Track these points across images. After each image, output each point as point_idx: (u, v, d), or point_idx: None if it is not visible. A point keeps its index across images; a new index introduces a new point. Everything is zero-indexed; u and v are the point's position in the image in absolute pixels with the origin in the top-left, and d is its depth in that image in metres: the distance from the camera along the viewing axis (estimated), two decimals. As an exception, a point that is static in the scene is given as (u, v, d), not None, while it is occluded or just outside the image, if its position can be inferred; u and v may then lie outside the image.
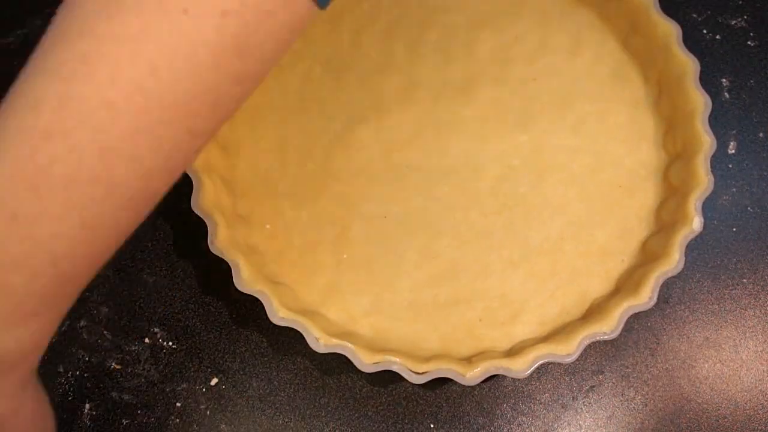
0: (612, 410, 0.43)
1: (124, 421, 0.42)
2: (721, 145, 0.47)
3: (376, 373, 0.38)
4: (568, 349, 0.39)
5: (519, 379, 0.43)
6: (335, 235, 0.43)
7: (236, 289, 0.39)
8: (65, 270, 0.25)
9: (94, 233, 0.26)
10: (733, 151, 0.48)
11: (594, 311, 0.41)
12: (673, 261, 0.40)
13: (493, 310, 0.42)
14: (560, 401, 0.43)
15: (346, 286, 0.42)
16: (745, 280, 0.45)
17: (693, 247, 0.44)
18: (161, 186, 0.28)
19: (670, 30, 0.44)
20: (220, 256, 0.40)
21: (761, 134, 0.48)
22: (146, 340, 0.43)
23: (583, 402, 0.43)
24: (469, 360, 0.39)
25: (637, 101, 0.46)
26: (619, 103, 0.46)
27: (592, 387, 0.43)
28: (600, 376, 0.43)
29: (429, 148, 0.45)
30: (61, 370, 0.43)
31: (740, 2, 0.51)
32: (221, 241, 0.40)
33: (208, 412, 0.42)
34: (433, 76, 0.46)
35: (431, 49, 0.47)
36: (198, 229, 0.43)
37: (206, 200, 0.41)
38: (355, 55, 0.47)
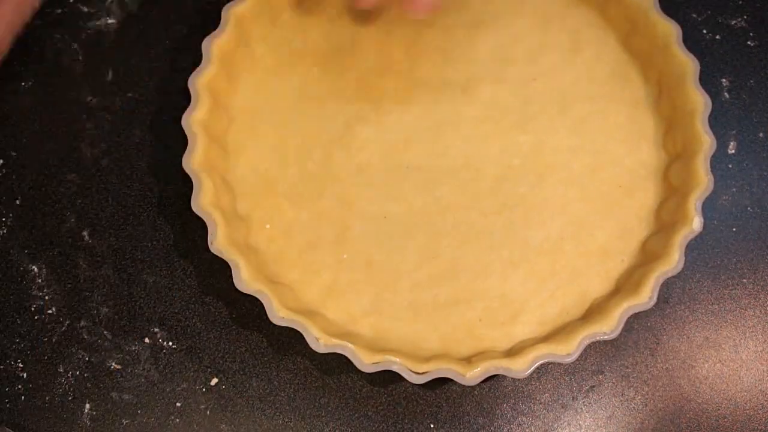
0: (612, 410, 0.43)
1: (124, 421, 0.42)
2: (721, 145, 0.47)
3: (376, 373, 0.38)
4: (568, 349, 0.39)
5: (519, 379, 0.43)
6: (335, 235, 0.43)
7: (236, 289, 0.39)
8: None
9: None
10: (733, 151, 0.48)
11: (594, 311, 0.41)
12: (673, 261, 0.40)
13: (493, 310, 0.42)
14: (560, 401, 0.43)
15: (346, 286, 0.42)
16: (745, 280, 0.45)
17: (693, 247, 0.44)
18: None
19: (670, 30, 0.44)
20: (220, 256, 0.40)
21: (761, 134, 0.48)
22: (146, 340, 0.43)
23: (583, 402, 0.43)
24: (469, 360, 0.39)
25: (637, 101, 0.46)
26: (619, 103, 0.46)
27: (592, 387, 0.43)
28: (600, 376, 0.43)
29: (429, 148, 0.45)
30: (61, 370, 0.43)
31: (740, 2, 0.51)
32: (221, 241, 0.40)
33: (208, 412, 0.42)
34: (433, 76, 0.46)
35: (431, 49, 0.47)
36: (198, 229, 0.43)
37: (206, 200, 0.41)
38: (355, 55, 0.47)
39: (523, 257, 0.43)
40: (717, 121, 0.47)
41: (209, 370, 0.43)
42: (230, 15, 0.45)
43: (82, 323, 0.44)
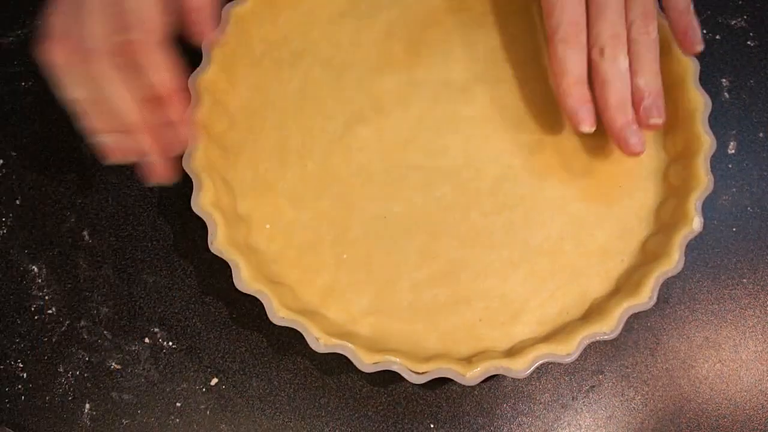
0: (612, 410, 0.43)
1: (124, 421, 0.42)
2: (721, 145, 0.47)
3: (376, 373, 0.38)
4: (567, 349, 0.39)
5: (519, 379, 0.43)
6: (335, 235, 0.43)
7: (236, 289, 0.39)
8: None
9: None
10: (733, 151, 0.48)
11: (594, 311, 0.41)
12: (673, 261, 0.40)
13: (493, 310, 0.42)
14: (560, 401, 0.43)
15: (346, 286, 0.42)
16: (745, 280, 0.45)
17: (693, 247, 0.44)
18: None
19: (670, 30, 0.44)
20: (220, 256, 0.40)
21: (761, 134, 0.48)
22: (146, 340, 0.43)
23: (583, 402, 0.43)
24: (469, 360, 0.39)
25: (637, 101, 0.46)
26: (619, 103, 0.46)
27: (592, 387, 0.43)
28: (600, 376, 0.43)
29: (429, 148, 0.45)
30: (61, 370, 0.43)
31: (740, 2, 0.51)
32: (221, 241, 0.40)
33: (208, 412, 0.42)
34: (433, 76, 0.46)
35: (431, 49, 0.47)
36: (198, 229, 0.43)
37: (206, 200, 0.41)
38: (355, 55, 0.47)
39: (523, 257, 0.43)
40: (717, 121, 0.47)
41: (209, 370, 0.43)
42: (230, 15, 0.45)
43: (82, 323, 0.44)
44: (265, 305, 0.39)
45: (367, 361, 0.39)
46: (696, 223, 0.41)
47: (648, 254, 0.42)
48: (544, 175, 0.44)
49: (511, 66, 0.47)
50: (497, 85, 0.46)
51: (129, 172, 0.46)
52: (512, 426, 0.42)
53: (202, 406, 0.42)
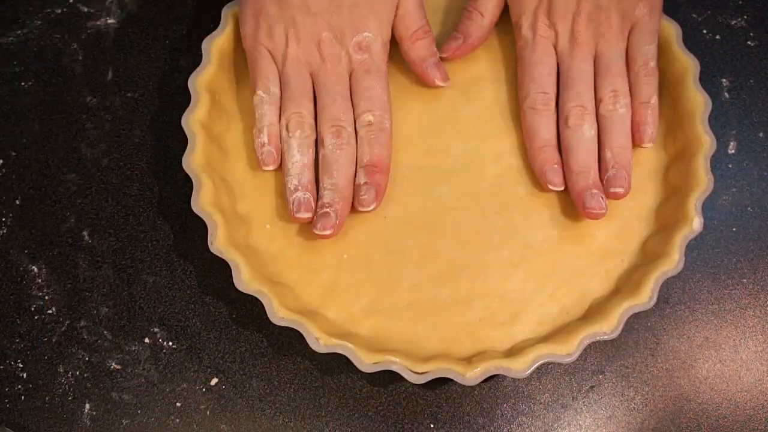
0: (612, 410, 0.43)
1: (124, 421, 0.42)
2: (721, 145, 0.47)
3: (376, 373, 0.38)
4: (568, 349, 0.39)
5: (519, 379, 0.43)
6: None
7: (236, 289, 0.39)
8: None
9: None
10: (733, 151, 0.48)
11: (594, 311, 0.41)
12: (673, 261, 0.40)
13: (493, 310, 0.42)
14: (560, 401, 0.43)
15: (346, 286, 0.42)
16: (745, 280, 0.45)
17: (693, 247, 0.44)
18: None
19: (670, 30, 0.44)
20: (219, 256, 0.40)
21: (761, 134, 0.48)
22: (146, 340, 0.43)
23: (583, 402, 0.43)
24: (469, 360, 0.39)
25: (637, 101, 0.46)
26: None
27: (592, 387, 0.43)
28: (600, 376, 0.43)
29: (429, 148, 0.45)
30: (61, 370, 0.43)
31: (740, 2, 0.51)
32: (221, 241, 0.40)
33: (208, 412, 0.42)
34: (433, 76, 0.46)
35: (431, 49, 0.47)
36: (198, 229, 0.43)
37: (206, 200, 0.41)
38: (355, 55, 0.47)
39: (523, 257, 0.43)
40: (717, 121, 0.47)
41: (209, 370, 0.43)
42: (230, 15, 0.45)
43: (82, 323, 0.44)
44: (265, 305, 0.39)
45: (367, 361, 0.39)
46: (696, 223, 0.41)
47: (648, 254, 0.42)
48: (544, 175, 0.44)
49: (511, 66, 0.47)
50: (497, 85, 0.46)
51: (129, 172, 0.46)
52: (512, 426, 0.42)
53: (202, 406, 0.42)
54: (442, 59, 0.45)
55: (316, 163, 0.43)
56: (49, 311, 0.44)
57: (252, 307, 0.43)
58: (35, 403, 0.42)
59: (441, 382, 0.42)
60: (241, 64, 0.46)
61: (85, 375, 0.43)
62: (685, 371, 0.44)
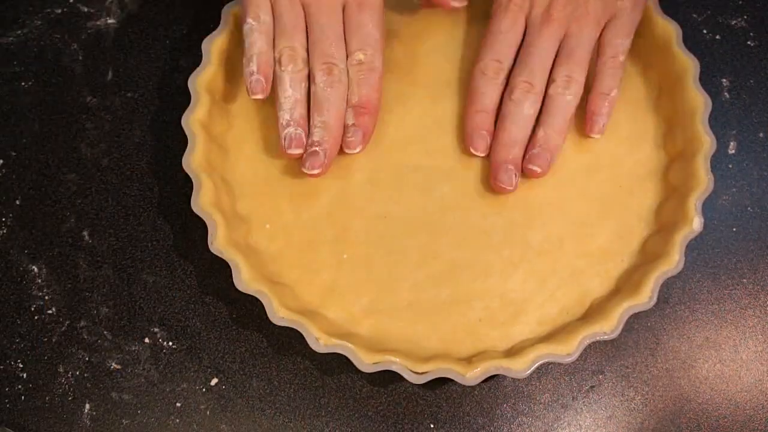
0: (612, 410, 0.43)
1: (124, 421, 0.42)
2: (721, 145, 0.47)
3: (376, 373, 0.38)
4: (568, 349, 0.39)
5: (519, 379, 0.43)
6: (335, 235, 0.43)
7: (236, 289, 0.39)
8: None
9: None
10: (733, 151, 0.48)
11: (594, 311, 0.41)
12: (673, 261, 0.40)
13: (493, 310, 0.42)
14: (560, 401, 0.43)
15: (346, 286, 0.42)
16: (745, 280, 0.45)
17: (693, 247, 0.44)
18: None
19: (670, 30, 0.44)
20: (219, 256, 0.40)
21: (761, 134, 0.48)
22: (146, 340, 0.43)
23: (583, 402, 0.43)
24: (469, 360, 0.39)
25: (637, 101, 0.46)
26: (619, 102, 0.45)
27: (592, 387, 0.43)
28: (600, 376, 0.43)
29: (429, 148, 0.45)
30: (61, 370, 0.43)
31: (740, 2, 0.51)
32: (221, 241, 0.40)
33: (208, 412, 0.42)
34: (433, 76, 0.46)
35: (431, 49, 0.47)
36: (198, 229, 0.43)
37: (206, 200, 0.41)
38: (355, 55, 0.47)
39: (523, 257, 0.43)
40: (717, 121, 0.47)
41: (209, 370, 0.43)
42: (230, 15, 0.45)
43: (82, 323, 0.44)
44: (265, 305, 0.39)
45: (367, 361, 0.39)
46: (696, 223, 0.41)
47: (648, 254, 0.42)
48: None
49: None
50: (497, 85, 0.46)
51: (129, 172, 0.46)
52: (512, 426, 0.42)
53: (202, 406, 0.42)
54: None
55: (308, 97, 0.43)
56: (49, 311, 0.44)
57: (252, 307, 0.43)
58: (35, 403, 0.42)
59: (441, 382, 0.42)
60: (241, 64, 0.46)
61: (85, 375, 0.43)
62: (685, 371, 0.44)
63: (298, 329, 0.39)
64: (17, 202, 0.46)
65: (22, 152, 0.47)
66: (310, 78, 0.43)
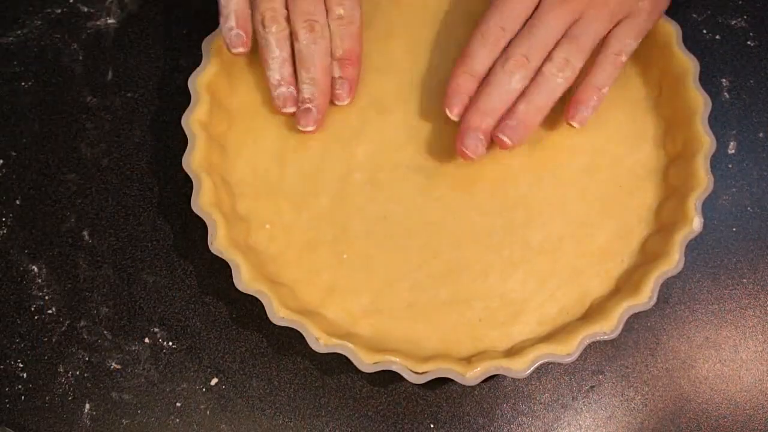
0: (612, 410, 0.43)
1: (124, 421, 0.42)
2: (721, 145, 0.47)
3: (376, 373, 0.38)
4: (568, 349, 0.39)
5: (519, 379, 0.43)
6: (335, 235, 0.43)
7: (236, 289, 0.39)
8: None
9: None
10: (733, 151, 0.48)
11: (594, 311, 0.41)
12: (673, 261, 0.40)
13: (493, 310, 0.42)
14: (560, 401, 0.43)
15: (346, 286, 0.42)
16: (745, 280, 0.45)
17: (693, 247, 0.44)
18: None
19: (670, 30, 0.44)
20: (220, 256, 0.40)
21: (761, 134, 0.48)
22: (146, 340, 0.43)
23: (583, 402, 0.43)
24: (469, 360, 0.39)
25: (637, 101, 0.46)
26: (619, 102, 0.46)
27: (592, 387, 0.43)
28: (600, 376, 0.43)
29: (429, 148, 0.45)
30: (61, 370, 0.43)
31: (740, 2, 0.51)
32: (221, 241, 0.40)
33: (208, 412, 0.42)
34: (433, 76, 0.46)
35: (431, 49, 0.47)
36: (198, 229, 0.43)
37: (206, 200, 0.41)
38: (355, 55, 0.47)
39: (523, 257, 0.43)
40: (717, 121, 0.47)
41: (209, 370, 0.43)
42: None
43: (82, 323, 0.44)
44: (265, 305, 0.39)
45: (367, 361, 0.39)
46: (696, 223, 0.41)
47: (648, 254, 0.42)
48: (544, 175, 0.44)
49: (511, 66, 0.46)
50: (497, 85, 0.46)
51: (129, 172, 0.46)
52: (512, 426, 0.42)
53: (202, 406, 0.42)
54: None
55: (293, 55, 0.44)
56: (49, 311, 0.44)
57: (252, 307, 0.43)
58: (35, 403, 0.42)
59: (441, 382, 0.42)
60: (241, 64, 0.46)
61: (85, 375, 0.43)
62: (685, 371, 0.44)
63: (298, 329, 0.39)
64: (17, 202, 0.46)
65: (22, 152, 0.47)
66: (292, 36, 0.43)
